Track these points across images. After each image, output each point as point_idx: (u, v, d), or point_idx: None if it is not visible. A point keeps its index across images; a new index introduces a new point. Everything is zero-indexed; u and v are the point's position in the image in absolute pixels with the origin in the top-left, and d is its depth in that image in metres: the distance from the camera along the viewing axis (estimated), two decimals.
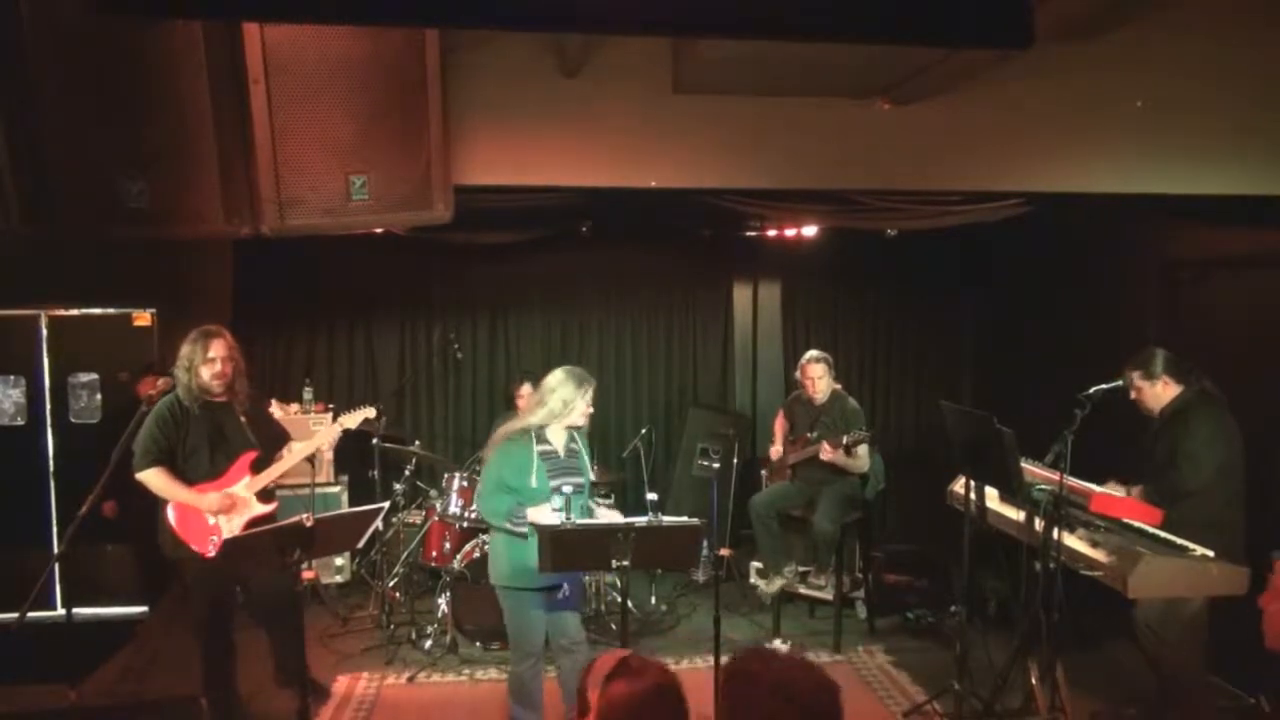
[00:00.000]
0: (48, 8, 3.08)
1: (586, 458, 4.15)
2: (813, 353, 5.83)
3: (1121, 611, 4.15)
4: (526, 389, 6.31)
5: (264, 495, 4.35)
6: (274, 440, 4.50)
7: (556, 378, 4.00)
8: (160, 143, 3.27)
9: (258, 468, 4.32)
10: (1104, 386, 4.10)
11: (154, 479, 4.12)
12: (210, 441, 4.21)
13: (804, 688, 1.79)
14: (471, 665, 5.23)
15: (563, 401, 3.95)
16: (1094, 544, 3.99)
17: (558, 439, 4.01)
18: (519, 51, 3.92)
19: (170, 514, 4.19)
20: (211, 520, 4.20)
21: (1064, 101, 4.15)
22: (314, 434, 4.66)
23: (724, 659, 4.16)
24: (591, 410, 4.04)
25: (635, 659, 1.99)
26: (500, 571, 3.95)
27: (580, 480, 4.02)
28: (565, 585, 3.99)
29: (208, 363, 4.16)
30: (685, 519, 3.63)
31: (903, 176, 4.27)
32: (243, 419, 4.31)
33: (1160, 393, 4.25)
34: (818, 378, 5.72)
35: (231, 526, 4.20)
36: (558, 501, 3.86)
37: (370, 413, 4.75)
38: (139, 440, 4.12)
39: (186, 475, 4.18)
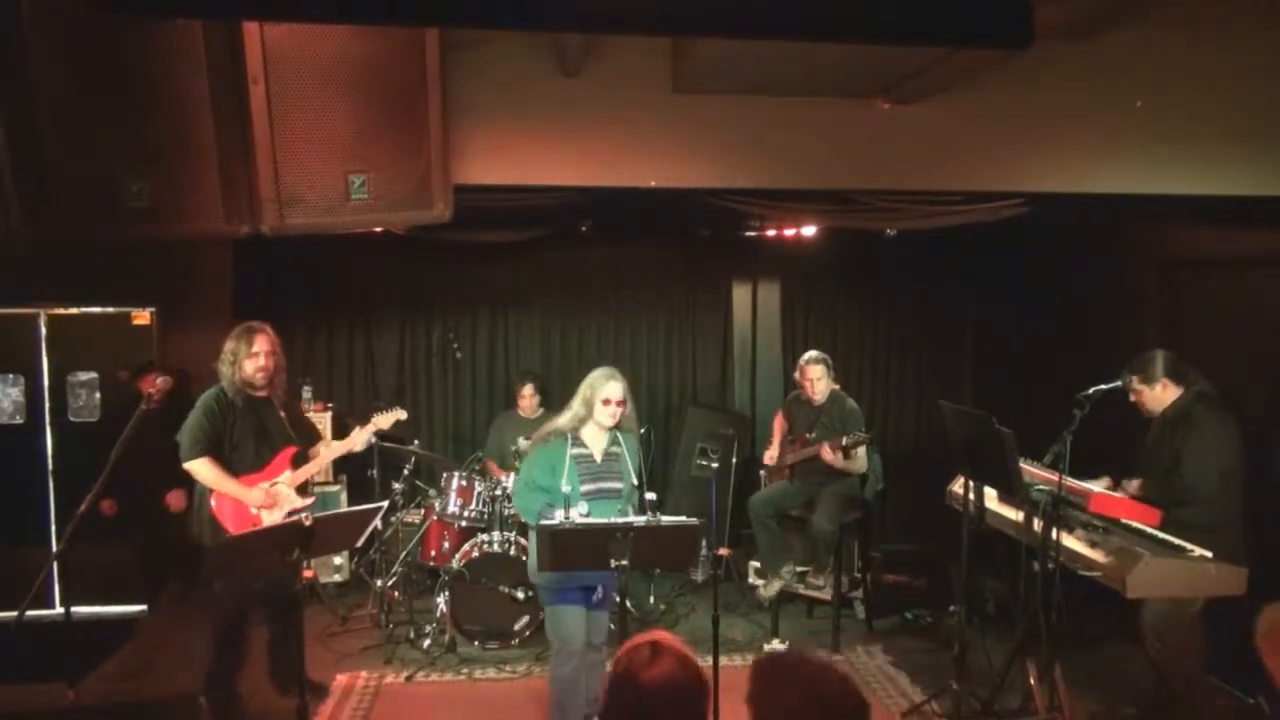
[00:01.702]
0: (48, 8, 3.08)
1: (630, 461, 4.03)
2: (811, 353, 5.83)
3: (1121, 611, 4.15)
4: (529, 390, 6.32)
5: (301, 489, 4.48)
6: (309, 436, 4.65)
7: (585, 380, 3.98)
8: (160, 142, 3.27)
9: (296, 463, 4.45)
10: (1103, 387, 4.11)
11: (202, 469, 4.24)
12: (255, 435, 4.35)
13: (834, 691, 1.87)
14: (470, 664, 5.23)
15: (583, 402, 3.93)
16: (1093, 544, 3.99)
17: (596, 443, 3.96)
18: (519, 51, 3.92)
19: (213, 502, 4.30)
20: (254, 510, 4.30)
21: (1064, 102, 4.15)
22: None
23: (724, 658, 4.17)
24: (616, 409, 3.91)
25: (662, 644, 2.05)
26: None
27: (616, 486, 3.95)
28: (600, 587, 3.97)
29: (251, 356, 4.29)
30: (684, 519, 3.63)
31: (903, 176, 4.27)
32: (282, 414, 4.45)
33: (1160, 395, 4.25)
34: (816, 379, 5.72)
35: (272, 517, 4.29)
36: (584, 508, 3.80)
37: (402, 414, 4.89)
38: (187, 430, 4.24)
39: (231, 466, 4.30)
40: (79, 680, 4.51)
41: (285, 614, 4.39)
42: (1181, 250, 5.53)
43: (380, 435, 5.75)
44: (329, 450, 4.58)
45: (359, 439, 4.63)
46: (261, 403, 4.39)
